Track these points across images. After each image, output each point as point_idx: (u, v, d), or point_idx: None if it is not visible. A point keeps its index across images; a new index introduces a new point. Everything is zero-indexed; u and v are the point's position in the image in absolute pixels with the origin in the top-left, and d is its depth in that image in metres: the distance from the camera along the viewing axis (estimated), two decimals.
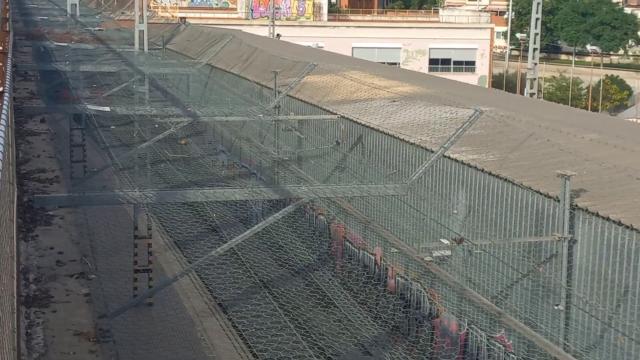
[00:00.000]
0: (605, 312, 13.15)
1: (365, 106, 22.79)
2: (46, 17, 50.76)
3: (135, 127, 27.51)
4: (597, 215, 13.34)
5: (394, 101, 22.65)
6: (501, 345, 15.29)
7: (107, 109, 25.04)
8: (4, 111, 6.32)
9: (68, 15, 52.46)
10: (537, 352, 14.01)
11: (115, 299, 16.49)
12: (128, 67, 32.23)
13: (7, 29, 14.43)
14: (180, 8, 79.58)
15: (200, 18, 68.61)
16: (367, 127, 21.29)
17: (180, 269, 18.65)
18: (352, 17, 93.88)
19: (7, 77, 9.65)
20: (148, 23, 39.87)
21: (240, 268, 20.39)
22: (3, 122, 5.71)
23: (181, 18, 58.47)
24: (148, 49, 38.69)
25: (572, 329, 13.84)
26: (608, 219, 13.11)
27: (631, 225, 12.66)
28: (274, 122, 25.35)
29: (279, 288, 19.51)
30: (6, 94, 7.13)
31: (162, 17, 61.34)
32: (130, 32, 40.82)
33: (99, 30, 46.85)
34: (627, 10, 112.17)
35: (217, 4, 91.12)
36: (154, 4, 66.03)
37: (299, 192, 17.72)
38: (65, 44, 37.46)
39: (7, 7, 20.18)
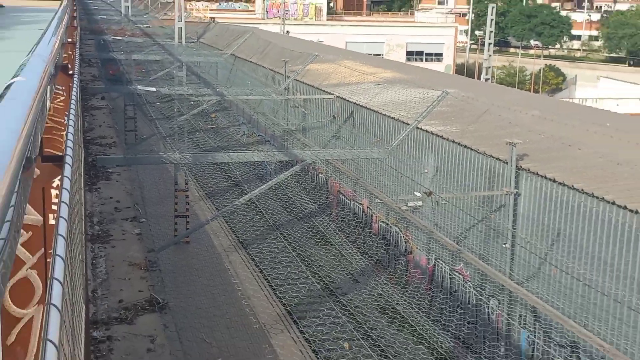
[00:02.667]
0: (542, 250, 13.20)
1: (356, 88, 22.73)
2: (105, 16, 50.44)
3: (175, 104, 27.44)
4: (537, 174, 13.37)
5: (378, 84, 22.58)
6: (460, 275, 15.33)
7: (153, 89, 24.99)
8: (74, 90, 6.38)
9: (122, 15, 52.29)
10: (488, 281, 14.07)
11: (160, 237, 16.57)
12: (169, 56, 32.10)
13: (75, 25, 14.43)
14: (210, 10, 79.01)
15: (226, 18, 67.97)
16: (357, 104, 21.25)
17: (211, 215, 18.70)
18: (345, 18, 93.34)
19: (76, 63, 9.69)
20: (185, 22, 39.66)
21: (258, 214, 20.46)
22: (74, 98, 5.79)
23: (211, 18, 58.17)
24: (185, 42, 38.54)
25: (516, 262, 13.88)
26: (545, 177, 13.16)
27: (563, 182, 12.72)
28: (284, 101, 25.27)
29: (287, 230, 19.60)
30: (75, 77, 7.21)
31: (196, 17, 60.91)
32: (171, 29, 40.60)
33: (147, 27, 46.57)
34: (563, 12, 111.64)
35: (239, 7, 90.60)
36: (189, 6, 65.45)
37: (303, 155, 17.78)
38: (120, 38, 37.35)
39: (75, 7, 20.16)
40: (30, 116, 2.54)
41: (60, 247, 2.09)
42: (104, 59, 31.64)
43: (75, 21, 15.96)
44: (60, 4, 14.91)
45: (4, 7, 48.69)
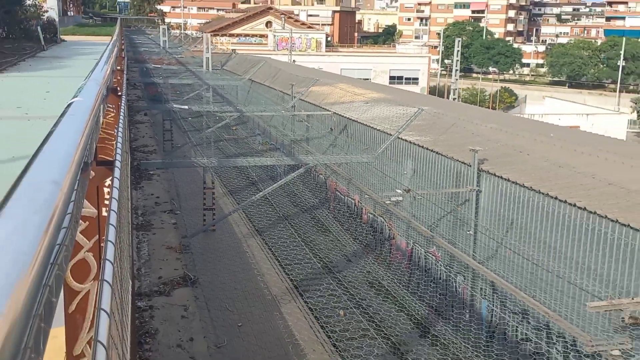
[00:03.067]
0: (499, 236, 13.26)
1: (349, 106, 22.77)
2: (147, 49, 50.49)
3: (203, 119, 27.41)
4: (494, 175, 13.42)
5: (367, 103, 22.62)
6: (433, 256, 15.38)
7: (186, 107, 25.03)
8: (122, 108, 6.39)
9: (161, 47, 52.33)
10: (456, 261, 14.11)
11: (192, 226, 16.59)
12: (199, 80, 32.12)
13: (123, 56, 14.45)
14: (231, 43, 79.20)
15: (244, 50, 68.02)
16: (350, 119, 21.30)
17: (232, 208, 18.75)
18: (340, 49, 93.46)
19: (124, 86, 9.70)
20: (211, 53, 39.67)
21: (270, 207, 20.49)
22: (122, 114, 5.80)
23: (232, 49, 58.31)
24: (211, 69, 38.57)
25: (478, 246, 13.92)
26: (501, 177, 13.20)
27: (515, 181, 12.77)
28: (291, 116, 25.28)
29: (294, 220, 19.64)
30: (123, 97, 7.22)
31: (220, 49, 61.03)
32: (200, 59, 40.56)
33: (180, 57, 46.58)
34: (515, 45, 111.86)
35: (255, 41, 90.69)
36: (215, 40, 65.51)
37: (306, 160, 17.83)
38: (159, 66, 37.36)
39: (123, 41, 20.17)
40: (87, 129, 2.54)
41: (111, 234, 2.09)
42: (146, 82, 31.68)
43: (123, 52, 15.95)
44: (111, 39, 14.87)
45: (65, 41, 48.57)
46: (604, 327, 9.82)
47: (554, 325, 10.56)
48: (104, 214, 3.36)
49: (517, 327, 12.12)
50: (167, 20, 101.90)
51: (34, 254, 1.24)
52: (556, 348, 10.70)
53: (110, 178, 3.22)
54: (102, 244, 3.21)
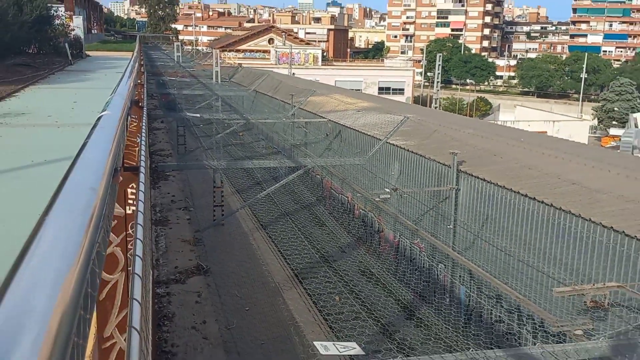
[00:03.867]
0: (476, 229, 13.29)
1: (342, 114, 22.77)
2: (162, 63, 50.40)
3: (213, 126, 27.35)
4: (472, 175, 13.45)
5: (358, 111, 22.63)
6: (417, 248, 15.41)
7: (198, 115, 24.96)
8: (143, 118, 6.42)
9: (175, 62, 52.23)
10: (437, 251, 14.11)
11: (204, 221, 16.57)
12: (209, 91, 32.09)
13: (142, 70, 14.47)
14: (238, 58, 79.23)
15: (249, 64, 67.97)
16: (343, 126, 21.29)
17: (239, 205, 18.74)
18: (335, 63, 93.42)
19: (144, 98, 9.73)
20: (220, 66, 39.65)
21: (273, 204, 20.45)
22: (144, 124, 5.82)
23: (239, 64, 58.28)
24: (220, 81, 38.55)
25: (457, 238, 13.96)
26: (477, 177, 13.23)
27: (490, 180, 12.79)
28: (291, 123, 25.27)
29: (294, 215, 19.61)
30: (144, 108, 7.26)
31: (228, 63, 60.96)
32: (210, 72, 40.51)
33: (192, 70, 46.51)
34: (490, 59, 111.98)
35: (259, 56, 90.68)
36: (223, 55, 65.46)
37: (305, 162, 17.81)
38: (174, 78, 37.33)
39: (142, 56, 20.21)
40: (116, 139, 2.58)
41: (139, 232, 2.12)
42: (162, 93, 31.62)
43: (142, 67, 15.96)
44: (132, 55, 14.87)
45: (90, 56, 48.50)
46: (568, 310, 9.87)
47: (524, 308, 10.60)
48: (129, 212, 3.40)
49: (491, 310, 12.15)
50: (180, 37, 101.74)
51: (78, 252, 1.29)
52: (526, 328, 10.75)
53: (136, 182, 3.26)
54: (128, 239, 3.24)
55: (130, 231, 3.31)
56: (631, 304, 8.90)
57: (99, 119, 3.00)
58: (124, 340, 2.89)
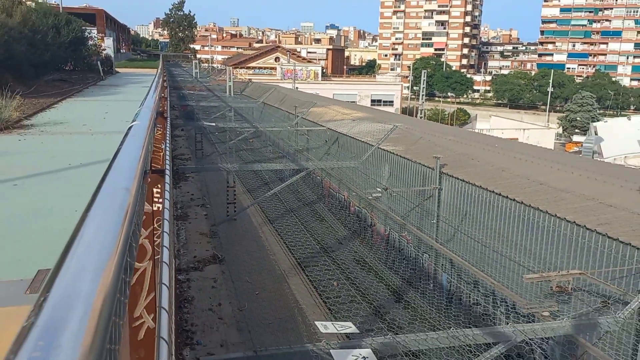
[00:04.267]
0: (456, 224, 13.27)
1: (339, 123, 22.75)
2: (182, 78, 50.36)
3: (227, 133, 27.39)
4: (452, 176, 13.43)
5: (353, 120, 22.62)
6: (405, 240, 15.42)
7: (214, 124, 24.99)
8: (167, 127, 6.42)
9: (193, 77, 52.22)
10: (423, 243, 14.08)
11: (218, 216, 16.57)
12: (223, 103, 32.09)
13: (165, 85, 14.43)
14: (248, 74, 79.09)
15: (258, 79, 67.93)
16: (340, 133, 21.28)
17: (249, 202, 18.74)
18: (333, 78, 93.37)
19: (168, 109, 9.73)
20: (233, 81, 39.62)
21: (279, 202, 20.43)
22: (168, 133, 5.83)
23: (249, 79, 58.28)
24: (233, 95, 38.53)
25: (440, 231, 13.91)
26: (457, 178, 13.22)
27: (469, 181, 12.79)
28: (295, 131, 25.26)
29: (298, 211, 19.58)
30: (168, 118, 7.28)
31: (240, 78, 60.92)
32: (224, 86, 40.49)
33: (209, 85, 46.49)
34: (468, 75, 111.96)
35: (266, 72, 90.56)
36: (235, 72, 65.49)
37: (307, 165, 17.81)
38: (192, 92, 37.29)
39: (164, 72, 20.21)
40: (145, 146, 2.59)
41: (166, 226, 2.14)
42: (182, 104, 31.59)
43: (165, 82, 15.97)
44: (156, 72, 14.88)
45: (119, 72, 48.54)
46: (537, 294, 9.88)
47: (498, 292, 10.61)
48: (154, 208, 3.42)
49: (470, 294, 12.15)
50: (198, 55, 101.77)
51: (115, 244, 1.31)
52: (500, 310, 10.76)
53: (162, 183, 3.28)
54: (155, 232, 3.26)
55: (156, 225, 3.33)
56: (591, 288, 8.92)
57: (129, 128, 3.02)
58: (152, 319, 2.91)
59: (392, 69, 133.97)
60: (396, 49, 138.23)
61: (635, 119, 49.57)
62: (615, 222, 9.17)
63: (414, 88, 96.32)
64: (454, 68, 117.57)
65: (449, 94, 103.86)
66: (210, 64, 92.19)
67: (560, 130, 75.39)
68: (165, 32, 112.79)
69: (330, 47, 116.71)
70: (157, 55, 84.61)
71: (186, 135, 28.36)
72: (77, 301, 0.94)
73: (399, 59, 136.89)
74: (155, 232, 3.28)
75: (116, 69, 50.04)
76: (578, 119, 74.88)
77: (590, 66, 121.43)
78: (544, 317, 7.82)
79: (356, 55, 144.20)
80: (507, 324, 7.64)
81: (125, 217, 1.49)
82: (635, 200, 9.97)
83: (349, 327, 5.91)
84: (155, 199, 3.49)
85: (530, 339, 6.73)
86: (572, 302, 9.08)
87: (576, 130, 72.77)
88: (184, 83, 44.60)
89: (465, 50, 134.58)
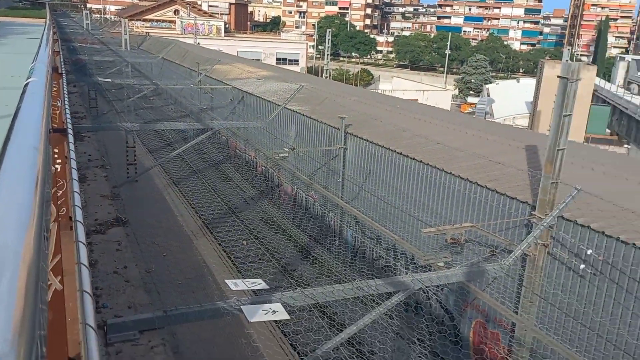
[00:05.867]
0: (360, 182, 13.67)
1: (245, 81, 22.42)
2: (72, 30, 46.69)
3: (125, 91, 25.96)
4: (356, 136, 13.77)
5: (259, 79, 22.38)
6: (312, 198, 15.71)
7: (109, 80, 23.66)
8: (63, 84, 6.07)
9: (84, 29, 48.57)
10: (329, 201, 14.45)
11: (119, 178, 15.88)
12: (119, 57, 30.33)
13: (56, 38, 13.33)
14: (145, 27, 74.87)
15: (156, 33, 64.53)
16: (246, 92, 21.01)
17: (152, 163, 18.12)
18: (237, 35, 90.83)
19: (61, 65, 9.11)
20: (129, 35, 37.41)
21: (184, 163, 19.83)
22: (64, 87, 5.52)
23: (146, 33, 55.22)
24: (129, 49, 36.43)
25: (345, 190, 14.28)
26: (361, 138, 13.58)
27: (372, 140, 13.18)
28: (198, 89, 24.48)
29: (204, 172, 19.17)
30: (63, 74, 6.85)
31: (136, 32, 57.54)
32: (119, 39, 38.15)
33: (102, 37, 43.52)
34: (372, 36, 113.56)
35: (165, 26, 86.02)
36: (131, 24, 61.60)
37: (212, 125, 17.40)
38: (84, 45, 34.81)
39: (53, 24, 18.62)
40: (45, 105, 2.50)
41: (76, 186, 2.11)
42: (74, 58, 29.41)
43: (56, 34, 14.81)
44: (45, 23, 13.75)
45: (1, 22, 44.24)
46: (433, 246, 10.59)
47: (399, 246, 11.21)
48: (57, 166, 3.29)
49: (373, 248, 12.73)
50: (88, 5, 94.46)
51: (33, 202, 1.32)
52: (400, 262, 11.40)
53: (62, 142, 3.16)
54: (58, 192, 3.15)
55: (56, 186, 3.21)
56: (481, 239, 9.72)
57: (26, 85, 2.87)
58: (59, 282, 2.86)
59: (297, 27, 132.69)
60: (301, 6, 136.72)
61: (524, 82, 53.25)
62: (503, 178, 9.98)
63: (319, 47, 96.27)
64: (358, 28, 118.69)
65: (353, 54, 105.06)
66: (102, 15, 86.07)
67: (457, 91, 79.24)
68: None
69: (233, 1, 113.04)
70: (42, 3, 77.40)
71: (79, 91, 26.55)
72: (6, 252, 0.96)
73: (304, 17, 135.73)
74: (57, 192, 3.18)
75: None
76: (472, 81, 79.06)
77: (484, 30, 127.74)
78: (440, 267, 8.44)
79: (260, 11, 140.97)
80: (407, 274, 8.17)
81: (37, 176, 1.49)
82: (521, 158, 10.88)
83: (259, 284, 6.07)
84: (55, 159, 3.36)
85: (427, 287, 7.26)
86: (464, 252, 9.86)
87: (471, 92, 76.89)
88: (75, 35, 41.43)
89: (369, 10, 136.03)
